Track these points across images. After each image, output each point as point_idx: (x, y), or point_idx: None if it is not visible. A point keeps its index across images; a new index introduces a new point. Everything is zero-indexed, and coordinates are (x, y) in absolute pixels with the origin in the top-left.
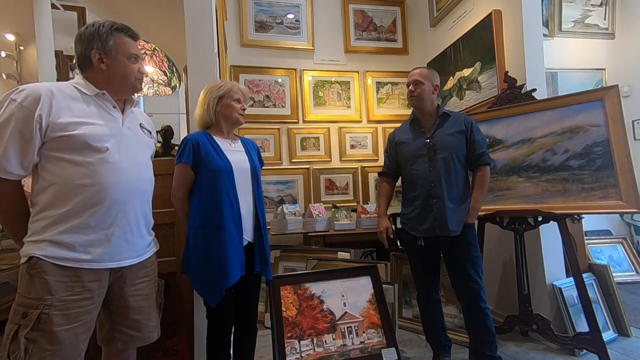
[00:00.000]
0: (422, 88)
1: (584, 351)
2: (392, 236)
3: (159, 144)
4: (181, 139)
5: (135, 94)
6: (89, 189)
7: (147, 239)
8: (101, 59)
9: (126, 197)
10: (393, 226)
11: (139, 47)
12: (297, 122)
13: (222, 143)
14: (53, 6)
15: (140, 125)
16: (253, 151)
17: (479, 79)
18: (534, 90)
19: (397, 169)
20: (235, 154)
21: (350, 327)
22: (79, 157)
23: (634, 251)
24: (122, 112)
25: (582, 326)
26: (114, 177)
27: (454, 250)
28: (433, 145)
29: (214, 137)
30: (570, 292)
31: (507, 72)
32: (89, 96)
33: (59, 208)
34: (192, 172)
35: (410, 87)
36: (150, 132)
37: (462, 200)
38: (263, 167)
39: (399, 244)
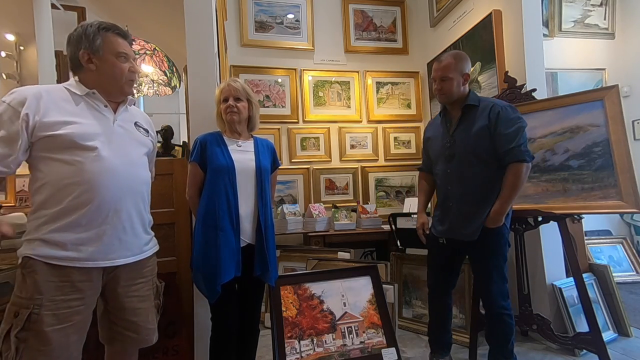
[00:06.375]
0: (450, 84)
1: (584, 351)
2: (428, 232)
3: (158, 144)
4: (181, 139)
5: (128, 96)
6: (78, 187)
7: (143, 237)
8: (90, 59)
9: (117, 195)
10: (393, 226)
11: (139, 47)
12: (297, 122)
13: (230, 143)
14: (53, 6)
15: (136, 123)
16: (265, 151)
17: (479, 79)
18: (534, 90)
19: (431, 165)
20: (240, 153)
21: (350, 327)
22: (68, 157)
23: (634, 251)
24: (115, 111)
25: (582, 326)
26: (104, 175)
27: (473, 254)
28: (451, 145)
29: (224, 136)
30: (570, 292)
31: (507, 72)
32: (78, 96)
33: (51, 207)
34: (200, 171)
35: (436, 85)
36: (148, 131)
37: (480, 203)
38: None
39: (398, 244)
